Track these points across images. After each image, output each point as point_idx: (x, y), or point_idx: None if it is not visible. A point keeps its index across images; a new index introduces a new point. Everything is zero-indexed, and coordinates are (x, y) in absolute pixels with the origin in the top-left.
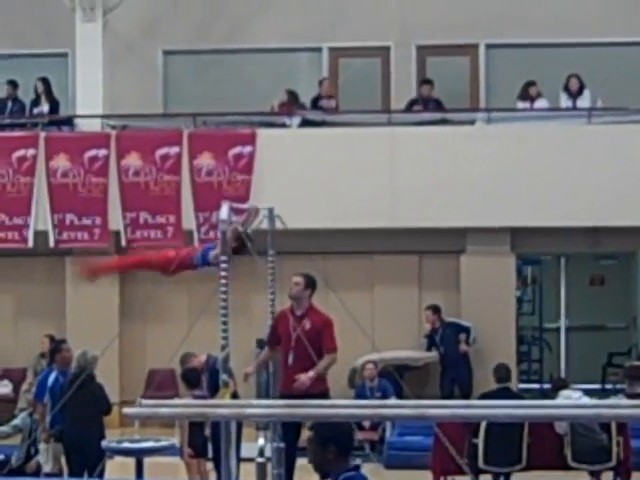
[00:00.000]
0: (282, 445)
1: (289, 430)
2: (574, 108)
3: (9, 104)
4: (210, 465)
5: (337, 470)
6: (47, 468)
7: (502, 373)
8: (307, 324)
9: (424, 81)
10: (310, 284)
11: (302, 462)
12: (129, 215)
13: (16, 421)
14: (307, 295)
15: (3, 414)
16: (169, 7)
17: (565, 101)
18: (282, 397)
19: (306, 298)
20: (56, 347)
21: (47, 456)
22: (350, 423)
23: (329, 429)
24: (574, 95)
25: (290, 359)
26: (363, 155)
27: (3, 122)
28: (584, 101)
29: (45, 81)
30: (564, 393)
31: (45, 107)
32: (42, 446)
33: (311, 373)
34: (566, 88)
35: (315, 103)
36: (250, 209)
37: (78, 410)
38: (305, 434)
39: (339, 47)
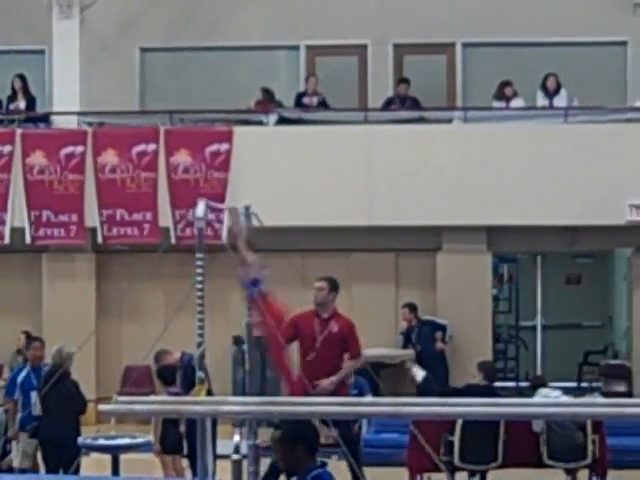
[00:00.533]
0: (258, 442)
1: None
2: (550, 107)
3: None
4: (186, 462)
5: (304, 468)
6: (16, 464)
7: (490, 371)
8: (334, 327)
9: (401, 80)
10: (334, 288)
11: None
12: (105, 212)
13: None
14: (332, 299)
15: None
16: (146, 4)
17: (542, 100)
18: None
19: (331, 302)
20: (27, 344)
21: (17, 452)
22: (314, 422)
23: (298, 428)
24: (551, 94)
25: (312, 361)
26: (340, 153)
27: None
28: (561, 100)
29: (22, 78)
30: (542, 391)
31: (22, 103)
32: (14, 442)
33: (334, 378)
34: (543, 87)
35: (299, 100)
36: (230, 210)
37: (54, 407)
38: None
39: (316, 45)
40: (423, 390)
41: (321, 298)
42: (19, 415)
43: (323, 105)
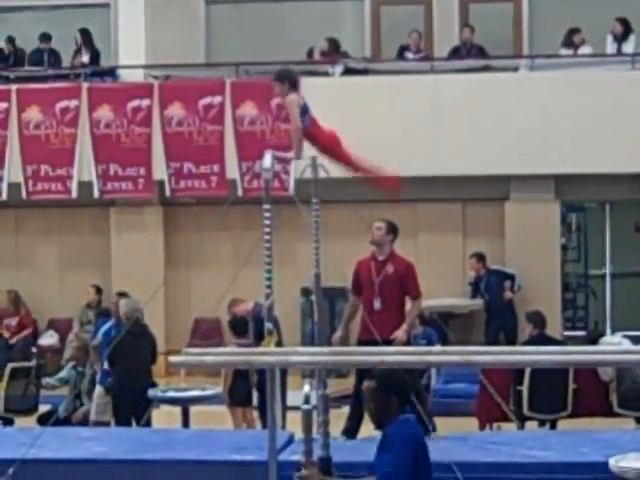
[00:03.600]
0: (327, 392)
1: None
2: (618, 54)
3: (45, 56)
4: (256, 413)
5: (394, 418)
6: (93, 417)
7: (539, 320)
8: (390, 269)
9: (465, 25)
10: (392, 229)
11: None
12: (173, 165)
13: (62, 373)
14: (389, 240)
15: (50, 364)
16: None
17: (610, 45)
18: (363, 343)
19: (388, 243)
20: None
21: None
22: (406, 374)
23: (392, 380)
24: (619, 39)
25: (377, 305)
26: (406, 103)
27: (46, 73)
28: (629, 45)
29: (85, 32)
30: (605, 339)
31: (85, 57)
32: (97, 391)
33: (405, 326)
34: (612, 32)
35: (401, 53)
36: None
37: (131, 360)
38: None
39: None
40: None
41: (378, 237)
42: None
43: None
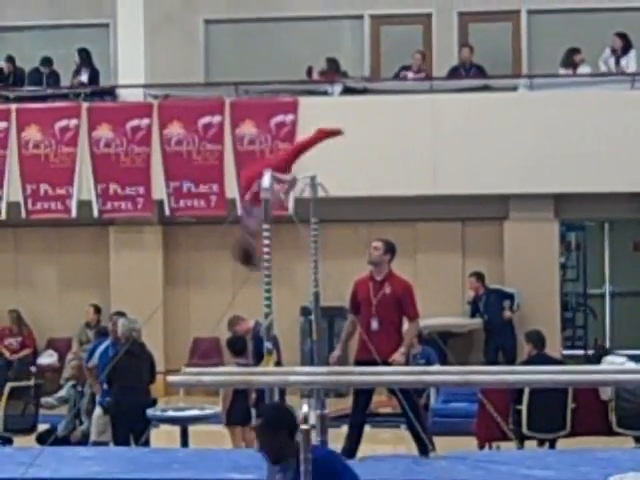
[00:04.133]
0: (325, 412)
1: (361, 396)
2: (617, 74)
3: (44, 77)
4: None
5: (291, 452)
6: (94, 437)
7: (538, 339)
8: (388, 289)
9: (463, 45)
10: (389, 249)
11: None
12: (172, 184)
13: (61, 392)
14: (387, 260)
15: (49, 384)
16: None
17: (608, 58)
18: (360, 364)
19: (386, 263)
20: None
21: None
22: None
23: (279, 415)
24: (618, 54)
25: (374, 325)
26: (405, 122)
27: (45, 93)
28: (629, 60)
29: (84, 52)
30: (608, 359)
31: (84, 77)
32: (97, 411)
33: (403, 349)
34: (612, 47)
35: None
36: (289, 180)
37: (129, 379)
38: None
39: (381, 14)
40: None
41: (375, 257)
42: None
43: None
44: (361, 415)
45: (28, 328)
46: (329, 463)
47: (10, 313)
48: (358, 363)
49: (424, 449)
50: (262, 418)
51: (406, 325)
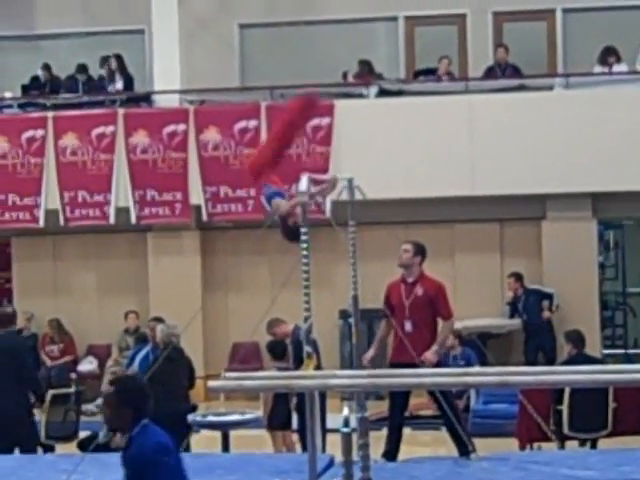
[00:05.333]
0: (366, 415)
1: (398, 398)
2: None
3: (80, 84)
4: (296, 437)
5: (133, 426)
6: None
7: (578, 339)
8: (420, 290)
9: (498, 45)
10: (419, 251)
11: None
12: (209, 189)
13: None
14: (417, 262)
15: (90, 391)
16: None
17: None
18: (396, 366)
19: (416, 265)
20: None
21: None
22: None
23: (129, 391)
24: None
25: (408, 327)
26: (441, 123)
27: (82, 100)
28: None
29: (119, 58)
30: None
31: (119, 84)
32: None
33: (435, 347)
34: None
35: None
36: (330, 180)
37: (168, 385)
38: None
39: (415, 16)
40: None
41: (406, 260)
42: None
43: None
44: (399, 417)
45: (69, 335)
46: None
47: (50, 322)
48: (393, 365)
49: (464, 450)
50: (114, 388)
51: (440, 325)
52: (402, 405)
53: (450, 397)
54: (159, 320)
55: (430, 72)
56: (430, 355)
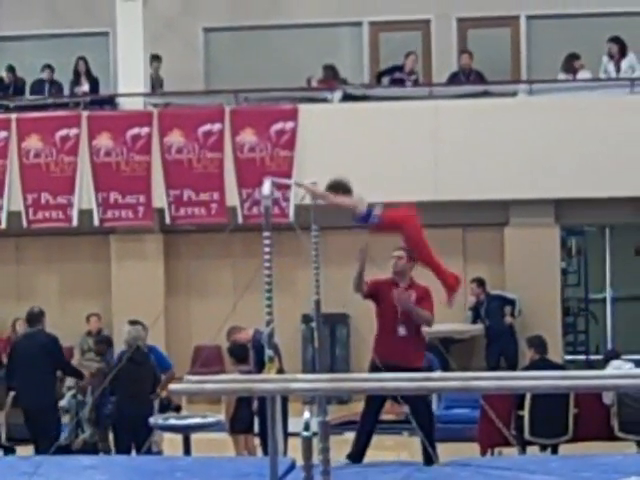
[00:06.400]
0: (327, 419)
1: (374, 401)
2: (616, 79)
3: (46, 86)
4: (257, 440)
5: None
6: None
7: (540, 345)
8: (412, 296)
9: (462, 51)
10: (412, 258)
11: (352, 436)
12: (173, 193)
13: (62, 402)
14: (410, 267)
15: None
16: None
17: (607, 64)
18: (388, 367)
19: (409, 271)
20: None
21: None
22: None
23: None
24: (615, 59)
25: (401, 331)
26: (405, 129)
27: (46, 102)
28: (632, 61)
29: (84, 60)
30: (614, 363)
31: (85, 86)
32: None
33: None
34: (608, 53)
35: (392, 72)
36: (297, 185)
37: (131, 388)
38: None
39: (379, 21)
40: None
41: (401, 266)
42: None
43: (415, 83)
44: (372, 422)
45: None
46: None
47: (17, 322)
48: (386, 367)
49: (430, 460)
50: None
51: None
52: (376, 411)
53: (426, 401)
54: (136, 323)
55: (396, 69)
56: (402, 291)
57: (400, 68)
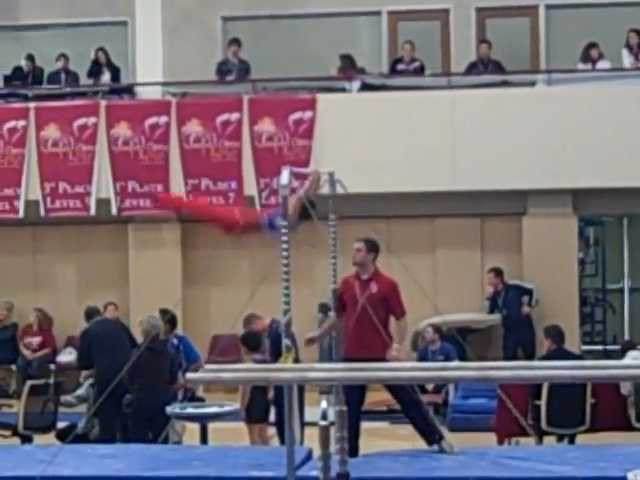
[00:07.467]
0: (345, 408)
1: (353, 394)
2: (635, 69)
3: (62, 75)
4: (273, 430)
5: None
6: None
7: (557, 335)
8: (374, 288)
9: (481, 41)
10: (372, 248)
11: (366, 425)
12: (191, 182)
13: (80, 391)
14: (371, 259)
15: (69, 382)
16: None
17: (627, 57)
18: (346, 360)
19: (370, 262)
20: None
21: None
22: None
23: None
24: (635, 50)
25: (362, 324)
26: (423, 118)
27: (64, 91)
28: None
29: (104, 51)
30: (632, 354)
31: (107, 76)
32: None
33: (396, 346)
34: (627, 44)
35: (394, 66)
36: (312, 174)
37: (149, 377)
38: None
39: (398, 10)
40: None
41: (359, 258)
42: None
43: (421, 71)
44: (355, 413)
45: (50, 326)
46: None
47: (37, 312)
48: (350, 360)
49: (431, 438)
50: None
51: (394, 324)
52: (357, 401)
53: (407, 390)
54: (166, 312)
55: (396, 62)
56: (396, 353)
57: (400, 60)
